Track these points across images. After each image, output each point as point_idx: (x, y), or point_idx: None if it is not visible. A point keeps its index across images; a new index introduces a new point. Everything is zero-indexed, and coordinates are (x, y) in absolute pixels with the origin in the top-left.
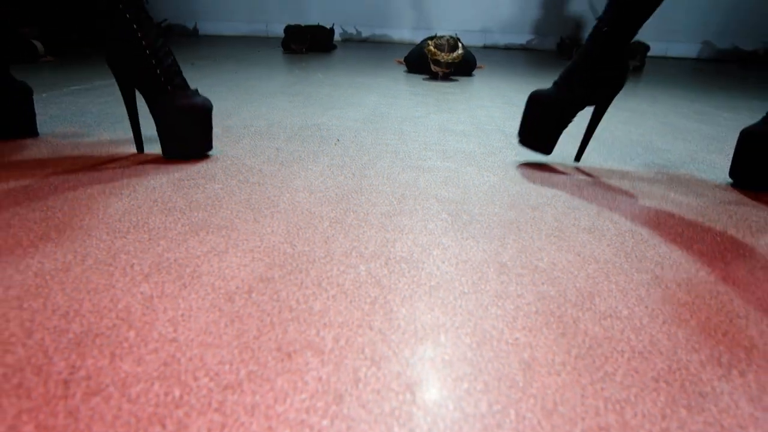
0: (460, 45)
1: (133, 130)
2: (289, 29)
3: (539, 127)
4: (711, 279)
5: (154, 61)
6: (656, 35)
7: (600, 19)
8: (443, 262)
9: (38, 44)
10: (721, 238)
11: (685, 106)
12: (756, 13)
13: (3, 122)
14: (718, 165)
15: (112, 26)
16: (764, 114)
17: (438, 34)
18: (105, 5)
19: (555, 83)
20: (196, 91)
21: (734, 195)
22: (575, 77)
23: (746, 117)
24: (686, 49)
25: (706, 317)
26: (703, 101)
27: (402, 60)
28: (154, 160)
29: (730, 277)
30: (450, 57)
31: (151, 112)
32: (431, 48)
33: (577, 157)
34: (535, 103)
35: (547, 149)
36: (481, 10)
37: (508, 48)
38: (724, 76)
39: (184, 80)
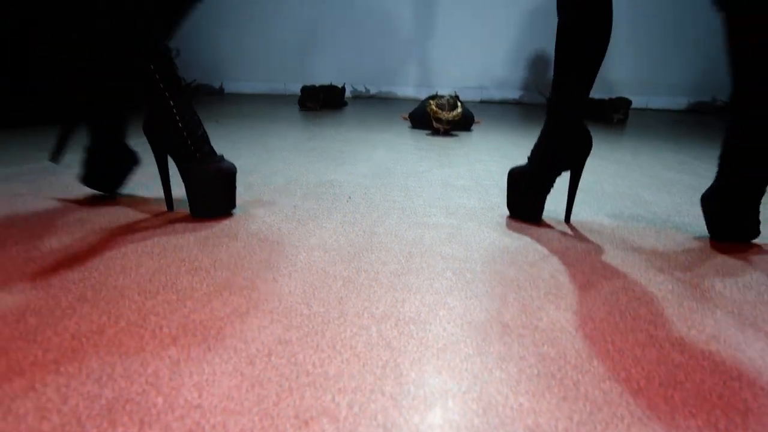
0: (459, 104)
1: (164, 192)
2: (304, 89)
3: (523, 201)
4: (702, 338)
5: (185, 133)
6: (637, 89)
7: (549, 99)
8: (449, 323)
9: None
10: (710, 294)
11: (667, 157)
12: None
13: (104, 179)
14: (702, 216)
15: (152, 103)
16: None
17: (439, 93)
18: (150, 88)
19: (528, 158)
20: (222, 156)
21: (719, 248)
22: (544, 150)
23: None
24: (666, 101)
25: (701, 379)
26: (684, 152)
27: (407, 116)
28: (183, 219)
29: (721, 336)
30: (450, 115)
31: (182, 175)
32: (433, 107)
33: (566, 219)
34: (514, 180)
35: (536, 218)
36: (478, 69)
37: (502, 102)
38: (703, 127)
39: (212, 148)
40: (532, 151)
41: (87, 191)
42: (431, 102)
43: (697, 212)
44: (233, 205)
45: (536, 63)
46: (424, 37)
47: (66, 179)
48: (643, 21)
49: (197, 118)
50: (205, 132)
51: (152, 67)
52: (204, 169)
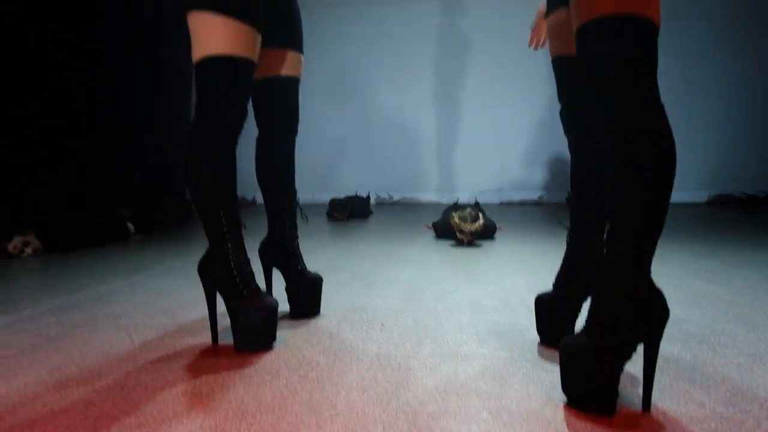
0: (480, 215)
1: (211, 327)
2: (332, 201)
3: (595, 387)
4: None
5: (236, 272)
6: None
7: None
8: None
9: (130, 225)
10: None
11: (694, 262)
12: (750, 158)
13: (295, 306)
14: (739, 337)
15: (213, 245)
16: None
17: (459, 200)
18: (215, 233)
19: (586, 331)
20: (265, 292)
21: (762, 377)
22: (601, 320)
23: (756, 273)
24: (686, 195)
25: None
26: (711, 256)
27: (430, 225)
28: (226, 353)
29: None
30: (473, 227)
31: (228, 311)
32: (456, 220)
33: (645, 406)
34: (575, 360)
35: (610, 409)
36: (495, 173)
37: (522, 203)
38: (727, 224)
39: (257, 285)
40: (591, 322)
41: (137, 321)
42: (454, 214)
43: (733, 331)
44: (274, 337)
45: (552, 164)
46: (442, 144)
47: (118, 308)
48: None
49: (247, 257)
50: (252, 270)
51: (222, 213)
52: (249, 306)
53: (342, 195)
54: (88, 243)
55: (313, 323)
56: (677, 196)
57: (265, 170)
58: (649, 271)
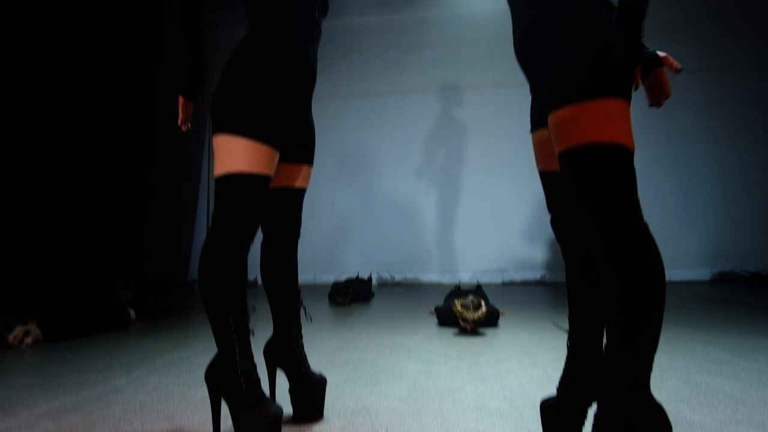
0: (482, 303)
1: None
2: (335, 285)
3: None
4: None
5: (242, 379)
6: None
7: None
8: None
9: (132, 312)
10: None
11: (700, 352)
12: (753, 235)
13: (298, 408)
14: None
15: (221, 350)
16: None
17: (461, 281)
18: (224, 339)
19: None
20: (270, 399)
21: None
22: None
23: (764, 364)
24: (688, 273)
25: None
26: (717, 344)
27: (433, 310)
28: None
29: None
30: (476, 315)
31: (232, 417)
32: (458, 308)
33: None
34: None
35: None
36: (497, 253)
37: (524, 283)
38: (731, 304)
39: (262, 392)
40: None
41: (137, 427)
42: (456, 302)
43: None
44: None
45: (552, 242)
46: (443, 225)
47: (119, 411)
48: (655, 193)
49: (254, 363)
50: (258, 376)
51: (231, 320)
52: (254, 415)
53: (344, 276)
54: (89, 331)
55: (317, 429)
56: (681, 274)
57: (271, 274)
58: (648, 387)
